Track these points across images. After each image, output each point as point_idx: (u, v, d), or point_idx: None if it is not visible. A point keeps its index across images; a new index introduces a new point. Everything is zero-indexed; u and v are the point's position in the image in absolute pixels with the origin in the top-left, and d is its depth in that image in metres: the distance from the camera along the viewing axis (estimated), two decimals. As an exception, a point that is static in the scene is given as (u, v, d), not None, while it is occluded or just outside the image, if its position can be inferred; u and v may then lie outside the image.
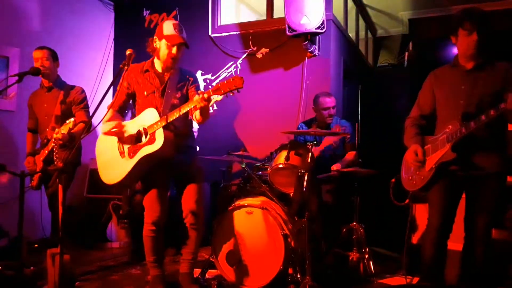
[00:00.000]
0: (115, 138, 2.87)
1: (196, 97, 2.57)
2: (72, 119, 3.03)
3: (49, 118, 3.51)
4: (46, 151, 3.39)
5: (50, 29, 4.89)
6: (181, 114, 2.64)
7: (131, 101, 3.01)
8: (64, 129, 3.04)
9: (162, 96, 2.83)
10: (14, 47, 4.48)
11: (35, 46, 3.57)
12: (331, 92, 4.30)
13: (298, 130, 4.00)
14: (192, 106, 2.59)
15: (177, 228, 3.34)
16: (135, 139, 2.78)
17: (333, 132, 3.85)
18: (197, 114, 2.71)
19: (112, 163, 2.88)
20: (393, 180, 3.15)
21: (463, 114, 2.39)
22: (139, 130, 2.78)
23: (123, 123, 2.85)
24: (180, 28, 2.84)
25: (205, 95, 2.52)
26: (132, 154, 2.78)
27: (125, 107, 3.01)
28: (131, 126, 2.84)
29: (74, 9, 5.22)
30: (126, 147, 2.82)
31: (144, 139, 2.74)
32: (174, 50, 2.80)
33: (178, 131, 2.82)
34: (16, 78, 3.28)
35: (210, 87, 2.56)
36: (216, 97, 2.58)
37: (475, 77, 2.46)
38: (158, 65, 2.89)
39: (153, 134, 2.69)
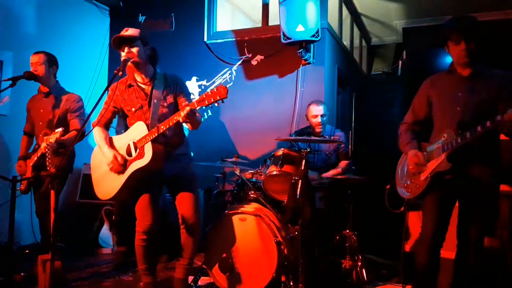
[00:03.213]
0: None
1: (181, 111, 2.56)
2: (60, 128, 3.03)
3: (44, 124, 3.49)
4: (35, 157, 3.36)
5: (45, 34, 4.88)
6: (171, 125, 2.63)
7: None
8: (52, 138, 3.04)
9: (150, 107, 2.80)
10: (8, 51, 4.46)
11: (30, 50, 3.55)
12: (325, 100, 4.32)
13: (293, 138, 4.00)
14: (180, 119, 2.58)
15: (171, 235, 3.32)
16: (126, 154, 2.78)
17: (326, 140, 3.87)
18: (187, 124, 2.71)
19: (105, 178, 2.87)
20: (387, 187, 3.15)
21: (459, 122, 2.40)
22: (128, 144, 2.78)
23: (115, 137, 2.89)
24: (123, 31, 2.77)
25: (189, 109, 2.51)
26: (122, 171, 2.78)
27: (111, 123, 3.00)
28: (122, 141, 2.84)
29: (69, 13, 5.22)
30: None
31: (133, 154, 2.74)
32: (123, 53, 2.74)
33: (168, 141, 2.81)
34: (10, 82, 3.28)
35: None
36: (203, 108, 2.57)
37: (471, 84, 2.46)
38: (138, 77, 2.86)
39: (142, 148, 2.69)
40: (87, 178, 4.71)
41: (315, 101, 4.05)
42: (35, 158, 3.36)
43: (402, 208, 3.00)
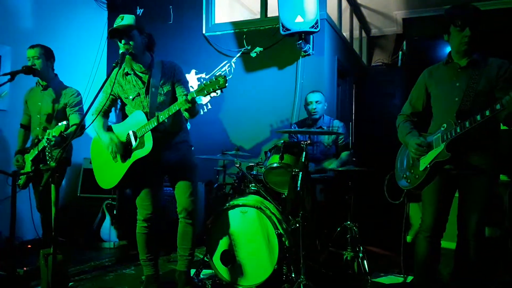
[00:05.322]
0: None
1: (181, 100, 2.57)
2: (65, 122, 3.01)
3: (42, 118, 3.48)
4: (36, 151, 3.36)
5: (43, 27, 4.86)
6: (170, 114, 2.62)
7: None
8: (55, 132, 3.02)
9: (147, 96, 2.79)
10: (6, 45, 4.44)
11: (28, 44, 3.53)
12: (325, 92, 4.31)
13: (292, 130, 4.00)
14: (178, 108, 2.58)
15: (171, 228, 3.33)
16: (126, 143, 2.77)
17: (326, 132, 3.86)
18: (185, 113, 2.71)
19: (106, 167, 2.87)
20: (387, 177, 3.15)
21: (458, 112, 2.39)
22: (128, 134, 2.77)
23: (113, 125, 2.89)
24: (118, 19, 2.73)
25: (189, 97, 2.51)
26: (124, 158, 2.77)
27: (110, 111, 3.00)
28: (121, 130, 2.83)
29: (67, 7, 5.19)
30: None
31: (134, 143, 2.73)
32: (121, 44, 2.70)
33: (167, 129, 2.81)
34: (8, 76, 3.27)
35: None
36: (201, 98, 2.57)
37: (469, 74, 2.45)
38: (136, 66, 2.83)
39: (142, 137, 2.69)
40: (88, 172, 4.73)
41: (311, 90, 4.10)
42: (35, 152, 3.35)
43: (401, 199, 2.99)
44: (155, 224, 2.92)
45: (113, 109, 3.05)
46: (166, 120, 2.68)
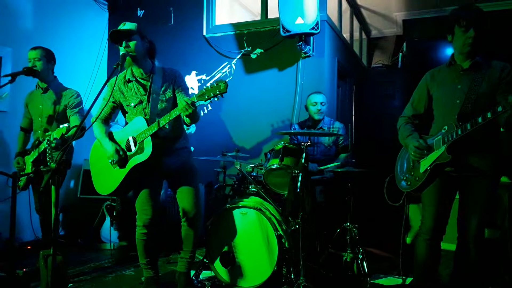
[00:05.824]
0: None
1: (181, 105, 2.57)
2: (66, 124, 3.01)
3: (43, 120, 3.49)
4: (36, 153, 3.36)
5: (44, 29, 4.86)
6: (171, 119, 2.63)
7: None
8: (57, 134, 3.02)
9: (149, 102, 2.79)
10: (7, 46, 4.45)
11: (29, 46, 3.54)
12: (325, 93, 4.31)
13: (292, 131, 4.00)
14: (179, 113, 2.59)
15: (171, 230, 3.33)
16: (126, 148, 2.78)
17: (326, 133, 3.87)
18: (185, 118, 2.71)
19: (105, 173, 2.87)
20: (387, 179, 3.15)
21: (459, 114, 2.39)
22: (128, 139, 2.77)
23: (114, 132, 2.89)
24: (120, 25, 2.76)
25: (190, 102, 2.52)
26: (122, 166, 2.78)
27: (111, 118, 3.00)
28: (121, 136, 2.83)
29: (68, 8, 5.20)
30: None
31: (133, 149, 2.74)
32: (121, 48, 2.72)
33: (167, 135, 2.81)
34: (9, 78, 3.27)
35: (203, 87, 2.55)
36: (203, 102, 2.58)
37: (471, 76, 2.45)
38: (137, 72, 2.84)
39: (142, 143, 2.69)
40: (88, 173, 4.73)
41: (314, 91, 4.10)
42: (36, 154, 3.36)
43: (401, 201, 2.99)
44: (156, 227, 2.91)
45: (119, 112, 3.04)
46: (166, 126, 2.68)
